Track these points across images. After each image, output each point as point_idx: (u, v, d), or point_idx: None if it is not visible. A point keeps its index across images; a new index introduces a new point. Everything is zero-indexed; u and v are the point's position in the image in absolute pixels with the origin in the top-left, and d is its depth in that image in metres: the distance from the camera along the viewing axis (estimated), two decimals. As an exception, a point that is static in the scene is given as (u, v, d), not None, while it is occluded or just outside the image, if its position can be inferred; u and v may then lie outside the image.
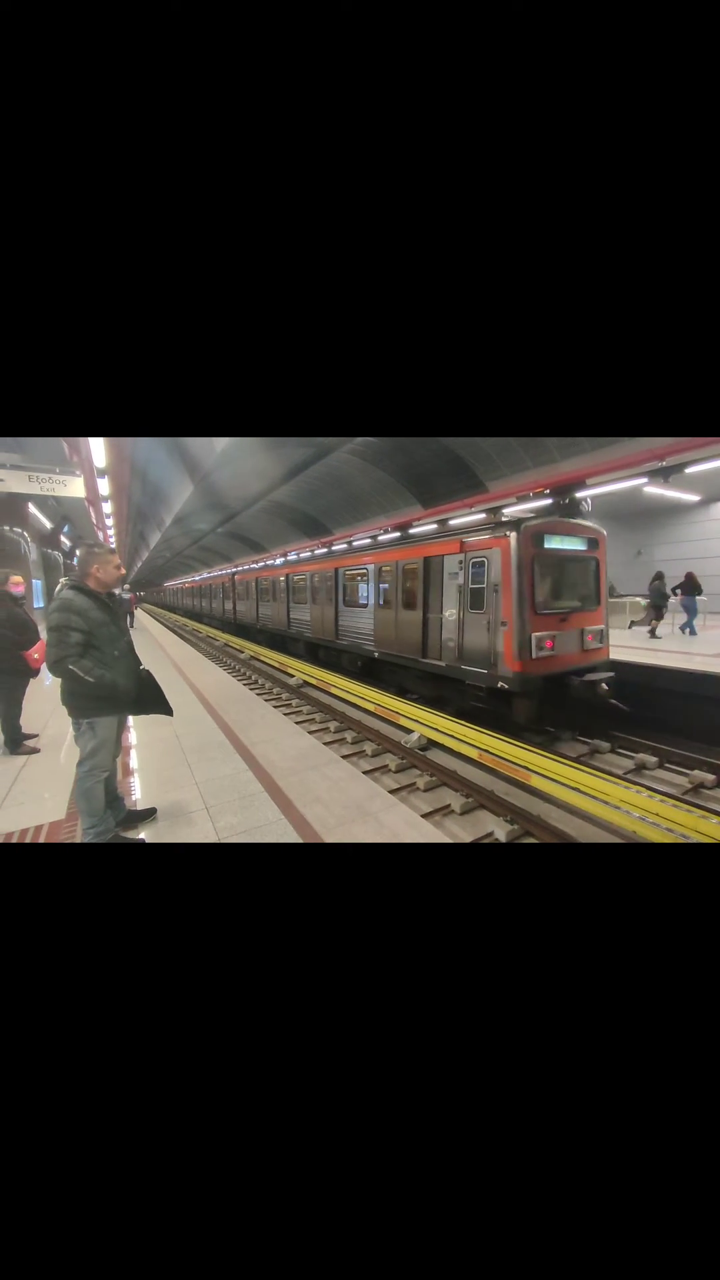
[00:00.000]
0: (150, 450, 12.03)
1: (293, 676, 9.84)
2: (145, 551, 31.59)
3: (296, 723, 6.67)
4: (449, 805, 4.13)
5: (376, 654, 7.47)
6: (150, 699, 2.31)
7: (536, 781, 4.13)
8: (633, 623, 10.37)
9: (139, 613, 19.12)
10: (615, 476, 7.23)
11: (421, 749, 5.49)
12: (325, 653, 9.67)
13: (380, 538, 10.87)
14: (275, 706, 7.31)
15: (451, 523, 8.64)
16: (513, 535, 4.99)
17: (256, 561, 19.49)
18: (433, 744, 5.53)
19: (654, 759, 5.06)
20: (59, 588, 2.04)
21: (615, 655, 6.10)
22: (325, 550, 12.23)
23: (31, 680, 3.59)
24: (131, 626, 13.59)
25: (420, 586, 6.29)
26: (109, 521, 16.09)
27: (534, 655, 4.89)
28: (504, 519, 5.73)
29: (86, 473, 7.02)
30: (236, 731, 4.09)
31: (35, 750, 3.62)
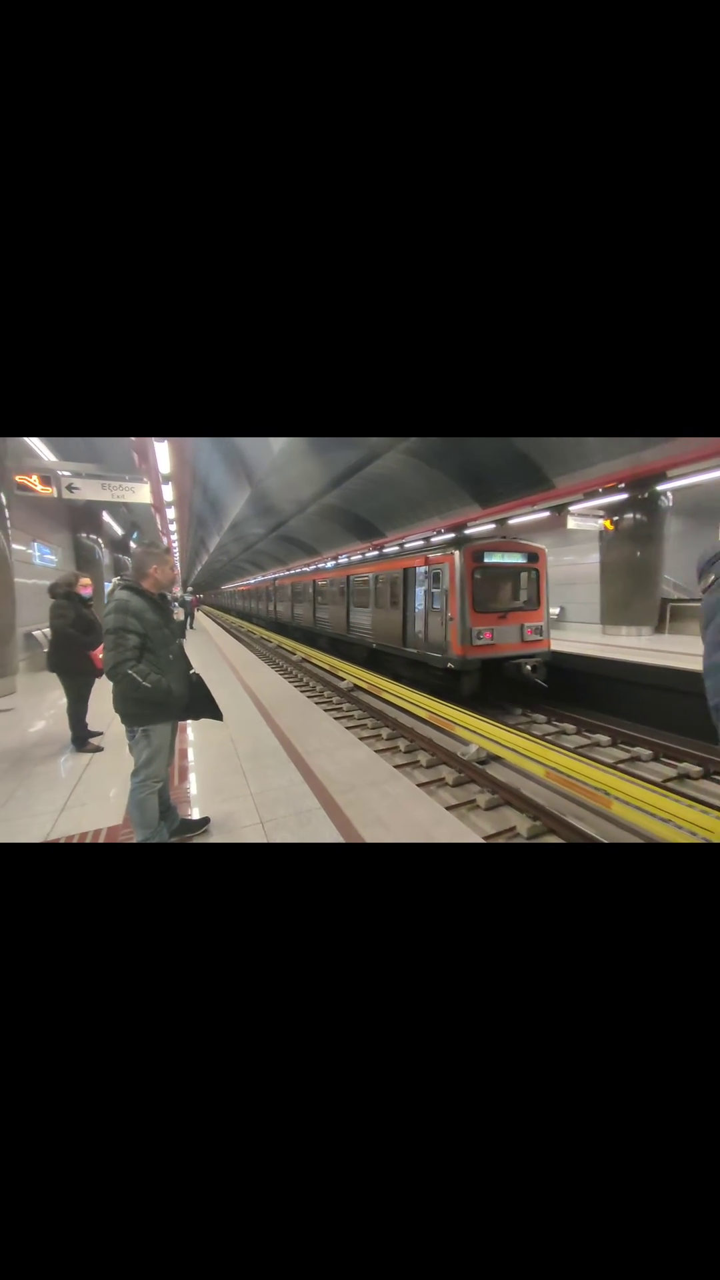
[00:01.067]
0: (210, 457, 12.51)
1: (344, 680, 9.76)
2: (205, 556, 33.21)
3: (348, 728, 6.53)
4: (514, 827, 3.77)
5: (375, 645, 9.39)
6: (201, 703, 2.22)
7: (619, 809, 3.66)
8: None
9: (199, 614, 20.05)
10: (708, 465, 6.45)
11: (480, 762, 5.13)
12: (342, 646, 11.45)
13: (368, 555, 13.11)
14: (327, 710, 7.22)
15: (436, 540, 11.01)
16: (457, 553, 6.68)
17: (308, 565, 20.20)
18: (492, 757, 5.16)
19: (759, 789, 4.40)
20: (112, 588, 1.98)
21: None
22: (336, 562, 14.72)
23: (96, 679, 3.69)
24: (192, 628, 14.20)
25: (401, 591, 8.11)
26: (173, 527, 17.02)
27: (474, 643, 6.56)
28: (455, 539, 7.81)
29: (153, 479, 7.36)
30: (291, 738, 3.98)
31: (99, 749, 3.71)
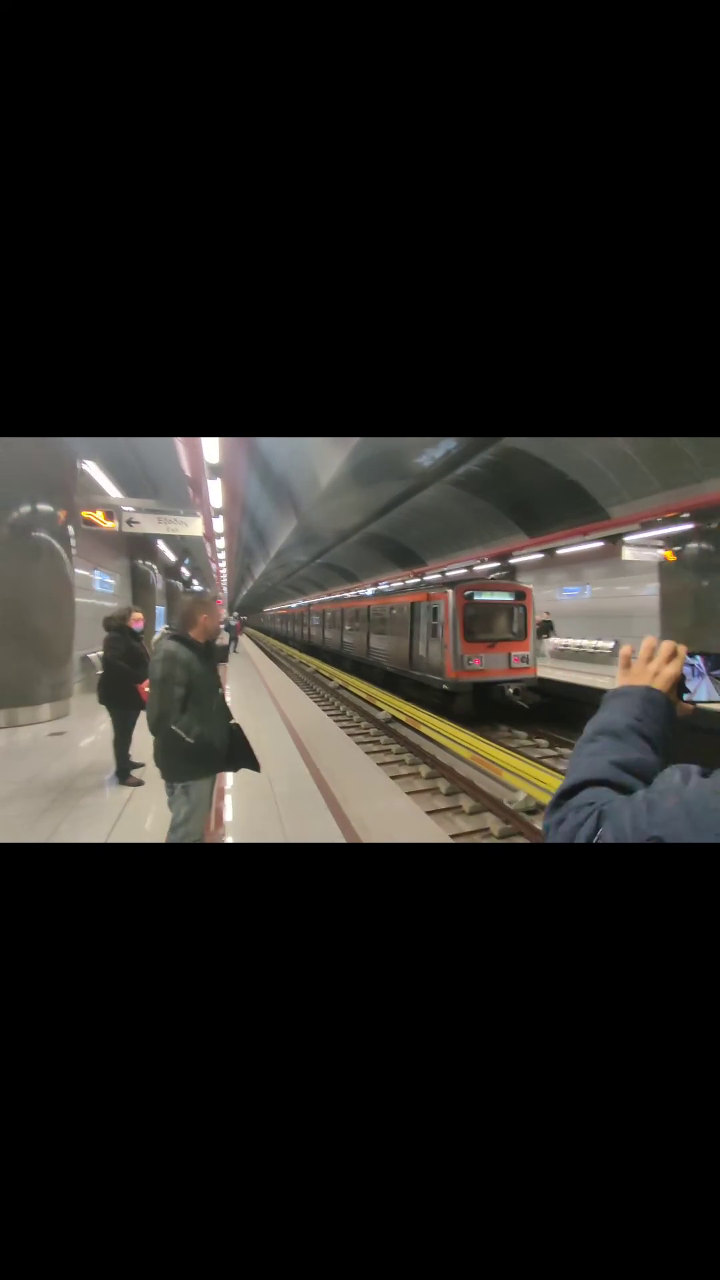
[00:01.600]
0: (259, 491, 13.05)
1: (381, 711, 9.58)
2: (250, 582, 34.49)
3: (385, 763, 6.32)
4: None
5: (389, 668, 10.88)
6: (240, 754, 2.15)
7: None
8: None
9: (242, 638, 20.68)
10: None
11: (528, 812, 4.76)
12: (364, 668, 13.03)
13: (389, 587, 15.07)
14: (362, 743, 7.05)
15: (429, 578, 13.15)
16: (450, 592, 8.14)
17: (347, 592, 20.78)
18: (541, 806, 4.77)
19: None
20: (158, 638, 1.97)
21: None
22: (358, 593, 17.14)
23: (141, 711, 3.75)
24: (235, 651, 14.56)
25: (408, 622, 9.68)
26: (221, 556, 17.82)
27: (465, 668, 7.90)
28: (449, 581, 9.38)
29: (205, 513, 7.72)
30: (328, 780, 3.85)
31: (140, 783, 3.73)
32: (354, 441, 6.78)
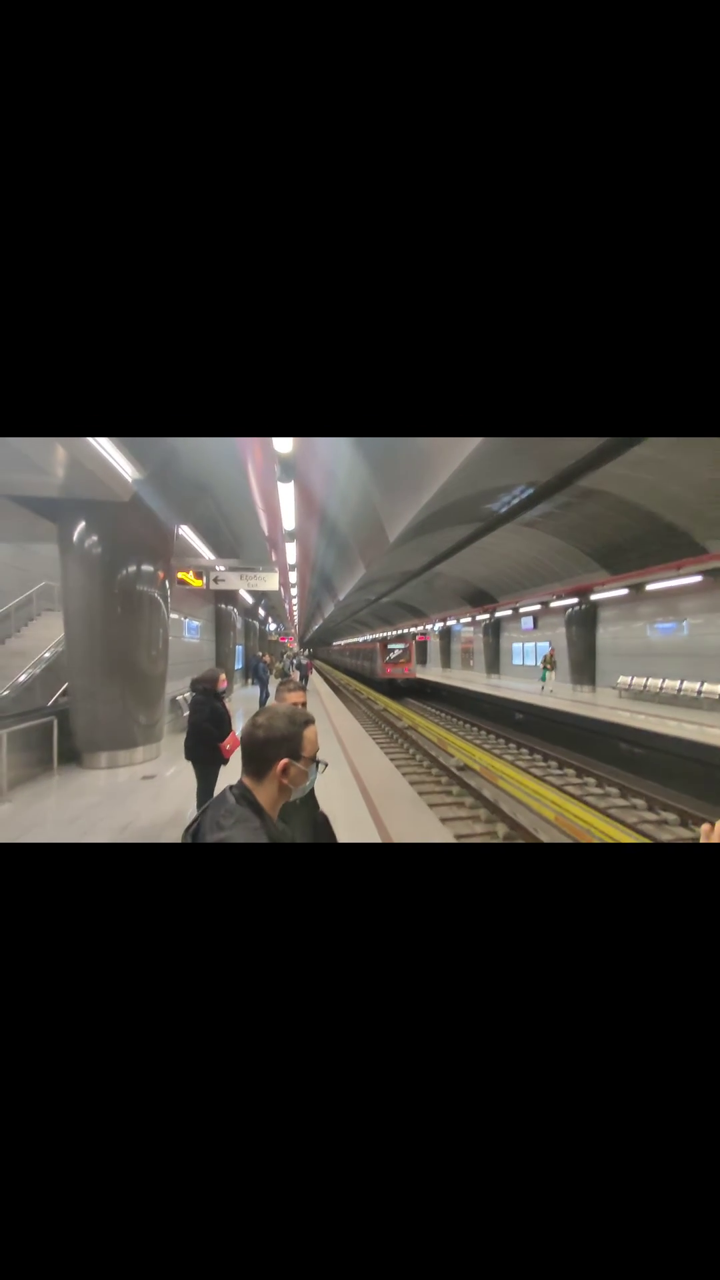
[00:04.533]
0: (327, 546, 13.72)
1: (453, 757, 9.23)
2: (320, 619, 35.92)
3: (455, 817, 6.00)
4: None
5: (368, 676, 25.37)
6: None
7: None
8: None
9: (312, 675, 21.63)
10: None
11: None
12: (361, 678, 26.37)
13: (369, 638, 30.39)
14: (434, 803, 6.78)
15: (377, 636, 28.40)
16: (379, 644, 23.89)
17: (399, 631, 21.12)
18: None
19: None
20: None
21: None
22: (373, 639, 29.34)
23: (223, 766, 3.95)
24: (305, 688, 15.06)
25: (372, 655, 25.02)
26: (294, 599, 18.96)
27: (383, 674, 22.63)
28: (381, 639, 25.96)
29: (281, 567, 8.27)
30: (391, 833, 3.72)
31: (219, 838, 3.89)
32: (424, 498, 6.94)
